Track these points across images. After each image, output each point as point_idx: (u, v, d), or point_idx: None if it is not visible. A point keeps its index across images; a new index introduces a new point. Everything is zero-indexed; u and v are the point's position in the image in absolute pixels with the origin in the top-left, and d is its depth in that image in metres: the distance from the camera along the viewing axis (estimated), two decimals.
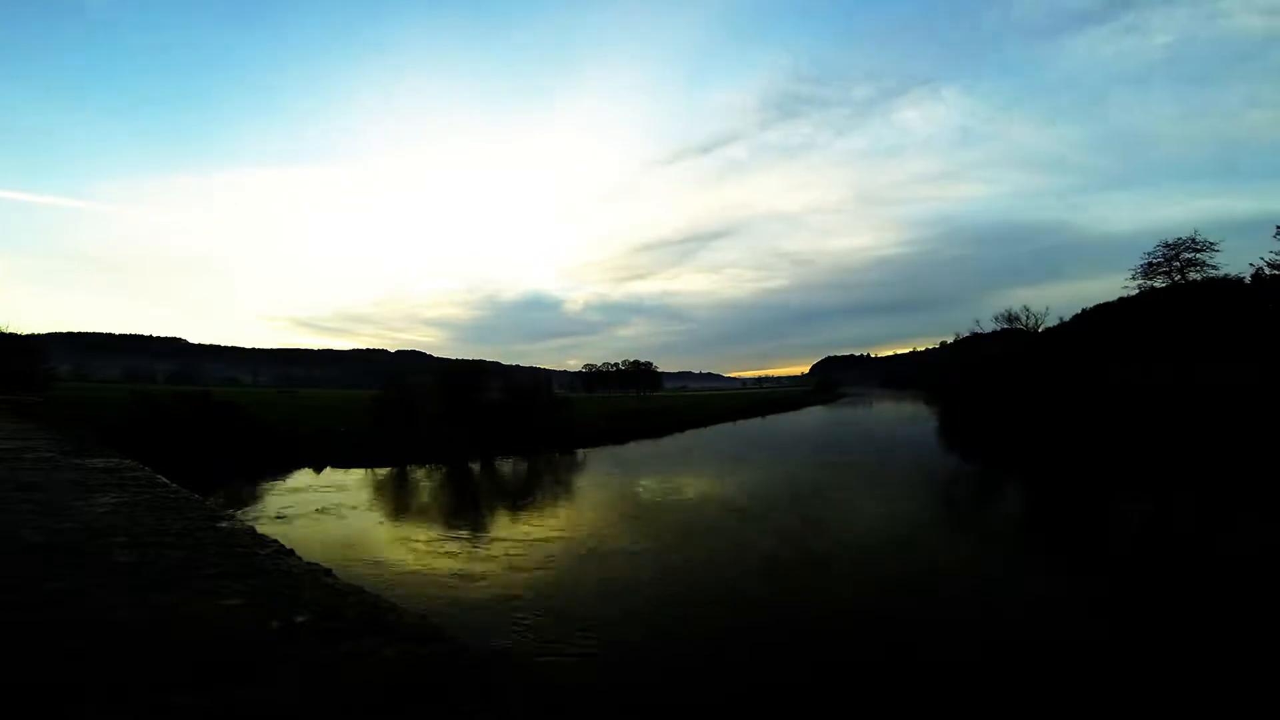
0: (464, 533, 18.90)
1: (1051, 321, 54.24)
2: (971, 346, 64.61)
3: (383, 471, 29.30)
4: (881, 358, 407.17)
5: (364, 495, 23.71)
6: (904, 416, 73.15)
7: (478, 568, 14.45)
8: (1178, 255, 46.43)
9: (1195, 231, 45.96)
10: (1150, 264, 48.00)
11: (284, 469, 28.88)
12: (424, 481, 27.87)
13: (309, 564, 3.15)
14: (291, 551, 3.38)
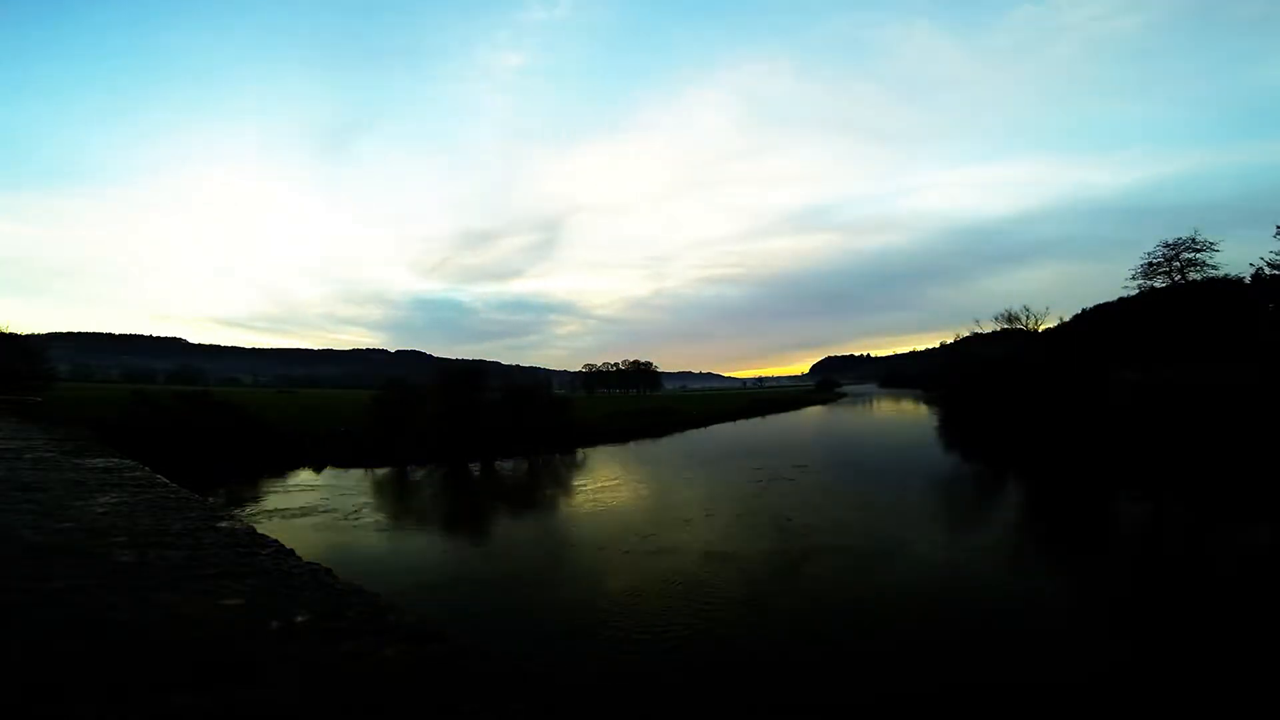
0: (463, 535, 18.93)
1: (1051, 321, 54.26)
2: (971, 346, 64.54)
3: (382, 472, 29.31)
4: (881, 357, 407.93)
5: (363, 495, 23.71)
6: (904, 416, 73.13)
7: (476, 569, 14.46)
8: (1178, 255, 46.43)
9: (1195, 231, 45.98)
10: (1150, 264, 48.01)
11: (284, 469, 28.89)
12: (423, 482, 27.86)
13: (309, 564, 3.15)
14: (291, 551, 3.37)
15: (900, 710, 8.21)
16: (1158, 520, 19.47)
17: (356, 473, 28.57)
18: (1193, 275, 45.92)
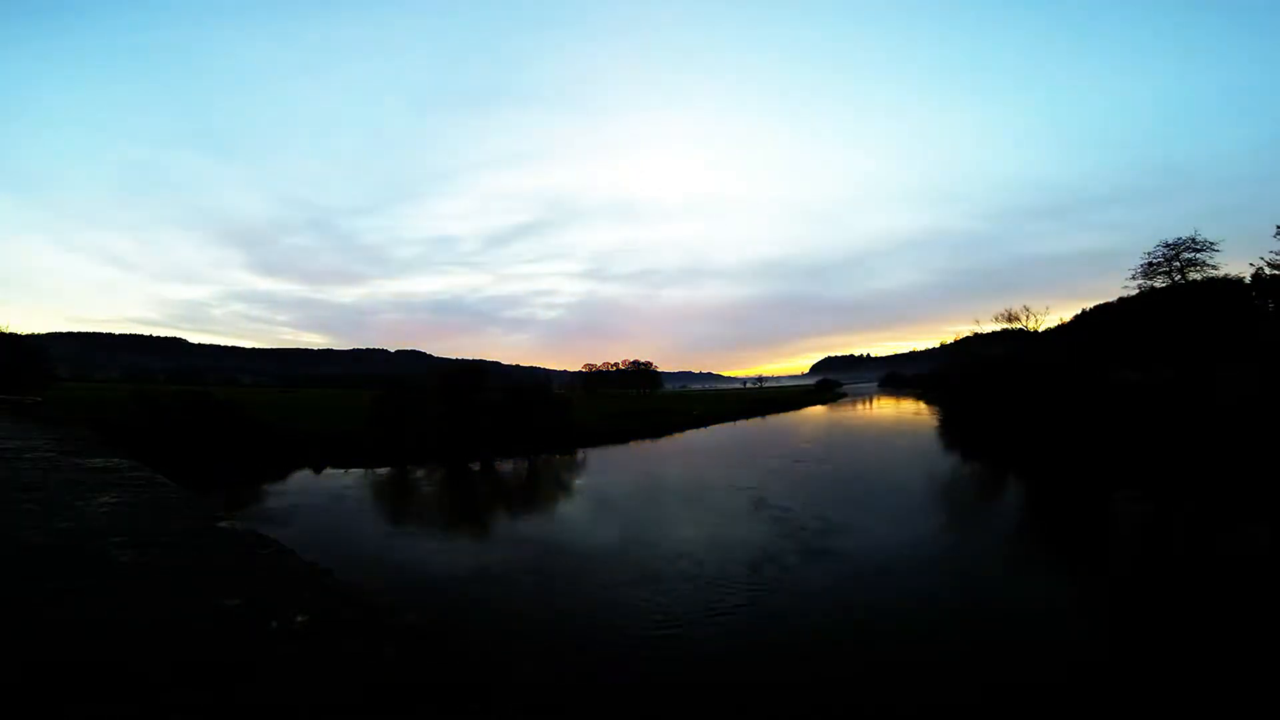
0: (463, 536, 18.93)
1: (1051, 321, 54.26)
2: (971, 346, 64.48)
3: (382, 471, 29.30)
4: (881, 357, 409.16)
5: (363, 496, 23.72)
6: (904, 417, 73.17)
7: (476, 570, 14.46)
8: (1178, 255, 46.41)
9: (1195, 231, 46.03)
10: (1150, 264, 47.97)
11: (284, 469, 28.89)
12: (423, 482, 27.86)
13: (309, 564, 3.15)
14: (292, 551, 3.38)
15: (900, 710, 8.22)
16: (1158, 520, 19.46)
17: (356, 472, 28.57)
18: (1193, 275, 45.90)
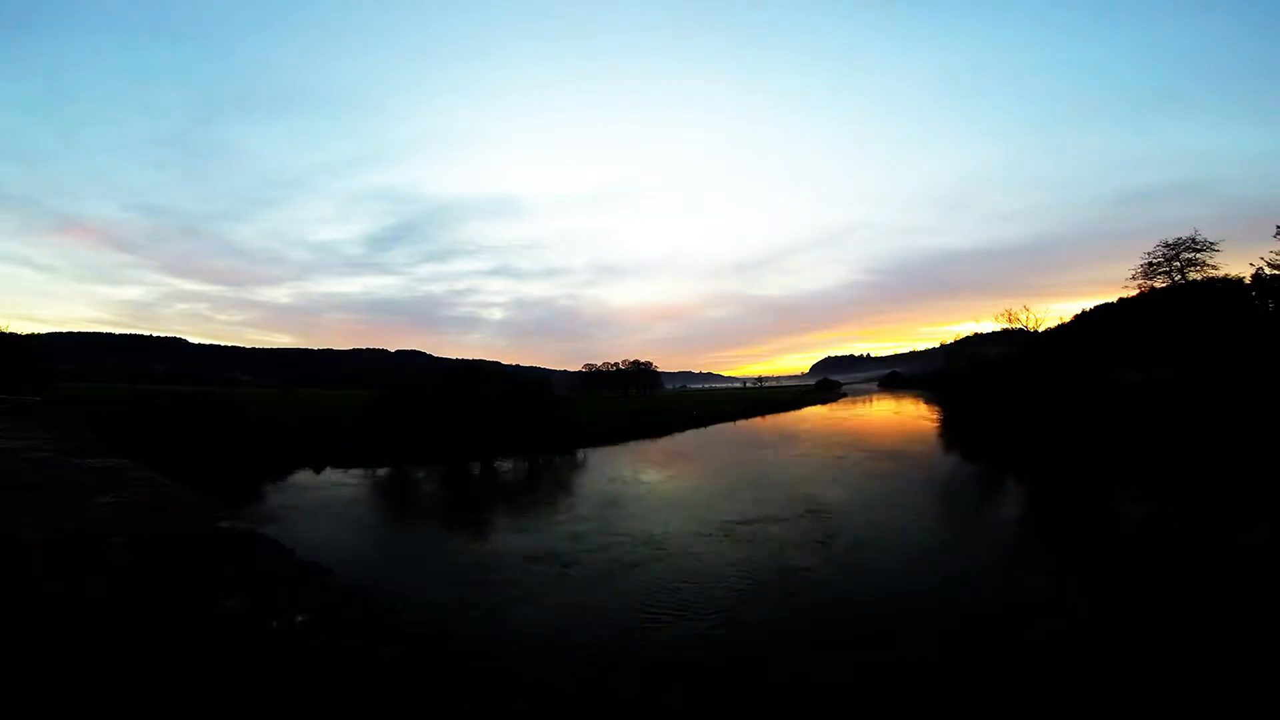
0: (463, 536, 18.93)
1: (1052, 321, 54.32)
2: (971, 346, 64.50)
3: (382, 471, 29.31)
4: (881, 357, 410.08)
5: (364, 495, 23.72)
6: (904, 417, 73.21)
7: (476, 569, 14.46)
8: (1178, 255, 46.46)
9: (1195, 231, 46.08)
10: (1150, 264, 48.00)
11: (284, 469, 28.89)
12: (423, 482, 27.87)
13: (309, 564, 3.16)
14: (292, 551, 3.38)
15: (897, 708, 8.22)
16: (1158, 520, 19.46)
17: (357, 472, 28.57)
18: (1192, 275, 45.95)
